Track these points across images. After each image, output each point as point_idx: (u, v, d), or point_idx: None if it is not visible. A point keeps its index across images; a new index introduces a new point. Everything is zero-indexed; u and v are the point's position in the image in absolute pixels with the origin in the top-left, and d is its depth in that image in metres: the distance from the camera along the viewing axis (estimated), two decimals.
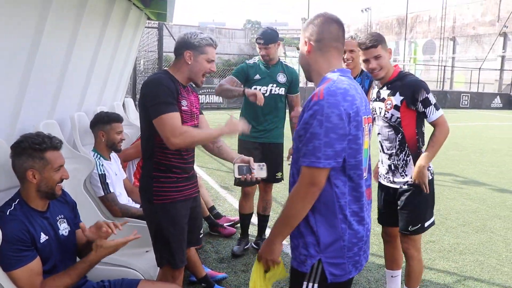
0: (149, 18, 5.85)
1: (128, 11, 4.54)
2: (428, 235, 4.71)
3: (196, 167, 7.35)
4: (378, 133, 3.12)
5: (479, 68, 31.31)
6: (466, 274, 3.97)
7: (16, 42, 2.49)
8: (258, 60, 4.10)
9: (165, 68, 2.67)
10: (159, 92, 2.39)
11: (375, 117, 3.12)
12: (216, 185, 6.83)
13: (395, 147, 3.01)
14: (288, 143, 3.36)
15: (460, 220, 5.48)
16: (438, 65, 34.58)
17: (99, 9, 3.68)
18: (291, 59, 36.86)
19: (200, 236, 2.94)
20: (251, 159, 2.66)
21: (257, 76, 4.02)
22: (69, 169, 2.90)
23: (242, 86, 3.99)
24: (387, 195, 3.17)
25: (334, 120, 1.70)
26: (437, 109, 2.90)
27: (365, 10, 45.58)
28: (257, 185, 4.26)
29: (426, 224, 3.07)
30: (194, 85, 2.73)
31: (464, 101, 27.86)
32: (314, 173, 1.73)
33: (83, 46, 3.51)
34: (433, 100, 2.89)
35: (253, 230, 4.73)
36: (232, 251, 4.23)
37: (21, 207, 2.12)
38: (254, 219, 4.58)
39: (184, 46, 2.54)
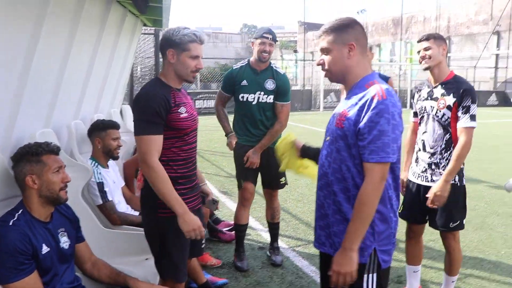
0: (145, 25, 5.86)
1: (124, 18, 4.55)
2: (428, 234, 4.68)
3: None
4: (424, 132, 3.21)
5: (474, 67, 31.40)
6: (467, 272, 3.97)
7: (11, 50, 2.49)
8: (245, 64, 3.96)
9: (157, 76, 2.59)
10: (144, 109, 2.33)
11: (423, 115, 3.23)
12: (215, 190, 6.82)
13: (441, 146, 3.13)
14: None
15: None
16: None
17: (94, 16, 3.69)
18: (287, 62, 36.90)
19: (202, 247, 2.92)
20: (210, 193, 2.90)
21: (244, 82, 3.89)
22: None
23: (229, 100, 4.09)
24: (422, 193, 3.23)
25: (397, 118, 1.88)
26: (471, 119, 3.01)
27: (361, 11, 45.64)
28: (263, 193, 4.22)
29: (464, 221, 3.23)
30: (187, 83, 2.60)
31: None
32: (384, 168, 1.87)
33: (79, 53, 3.51)
34: (473, 111, 3.01)
35: (253, 235, 4.74)
36: (238, 268, 3.99)
37: (24, 217, 2.12)
38: (253, 224, 4.58)
39: (166, 44, 2.41)
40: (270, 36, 3.81)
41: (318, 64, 2.06)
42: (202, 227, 2.39)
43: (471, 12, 35.59)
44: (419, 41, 3.23)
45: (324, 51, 2.02)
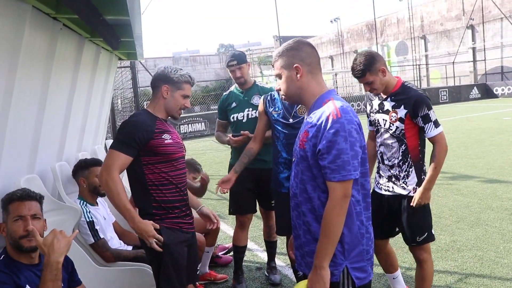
0: (120, 59, 5.87)
1: (98, 55, 4.56)
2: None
3: None
4: (380, 145, 3.17)
5: (453, 62, 31.90)
6: (467, 271, 3.97)
7: None
8: (234, 88, 4.01)
9: (145, 108, 2.76)
10: (124, 132, 2.54)
11: (378, 128, 3.17)
12: None
13: (398, 158, 3.06)
14: None
15: (454, 217, 5.51)
16: (413, 65, 35.10)
17: (68, 57, 3.68)
18: (268, 77, 37.14)
19: (198, 273, 2.94)
20: (211, 212, 2.91)
21: (234, 104, 3.92)
22: (56, 220, 2.89)
23: (229, 125, 4.04)
24: (384, 204, 3.19)
25: (354, 135, 1.88)
26: (436, 126, 2.97)
27: (334, 20, 46.27)
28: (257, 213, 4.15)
29: (433, 231, 3.14)
30: (171, 119, 2.80)
31: (443, 96, 28.29)
32: (347, 185, 1.87)
33: (56, 94, 3.50)
34: (433, 117, 2.98)
35: (249, 256, 4.70)
36: None
37: (5, 261, 2.14)
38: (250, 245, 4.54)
39: (162, 79, 2.65)
40: (234, 62, 3.81)
41: (276, 90, 2.12)
42: (157, 235, 2.47)
43: (443, 9, 36.30)
44: (356, 77, 3.11)
45: (277, 76, 2.12)
